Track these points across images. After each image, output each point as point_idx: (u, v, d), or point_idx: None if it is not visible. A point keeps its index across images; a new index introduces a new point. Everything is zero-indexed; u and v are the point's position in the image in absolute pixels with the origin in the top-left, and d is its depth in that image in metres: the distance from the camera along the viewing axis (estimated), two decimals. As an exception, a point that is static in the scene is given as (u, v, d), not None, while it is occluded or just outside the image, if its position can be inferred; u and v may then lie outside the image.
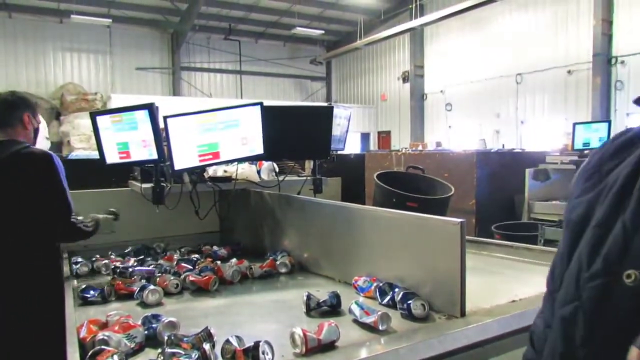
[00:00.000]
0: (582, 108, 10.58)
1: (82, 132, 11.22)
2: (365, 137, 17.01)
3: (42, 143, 2.59)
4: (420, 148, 9.88)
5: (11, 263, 1.91)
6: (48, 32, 13.58)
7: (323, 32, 16.07)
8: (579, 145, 4.94)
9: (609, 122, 5.17)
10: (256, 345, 1.10)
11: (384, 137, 16.68)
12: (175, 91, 15.36)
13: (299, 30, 15.26)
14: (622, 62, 9.89)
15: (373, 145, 16.73)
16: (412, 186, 3.20)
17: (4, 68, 12.89)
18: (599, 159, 0.64)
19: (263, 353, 1.10)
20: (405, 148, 9.26)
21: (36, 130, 2.26)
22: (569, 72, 10.91)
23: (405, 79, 15.31)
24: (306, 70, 17.88)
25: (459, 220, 1.40)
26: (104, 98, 12.65)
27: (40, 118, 2.36)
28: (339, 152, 3.47)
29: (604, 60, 10.01)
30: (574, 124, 5.12)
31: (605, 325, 0.55)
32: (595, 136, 4.88)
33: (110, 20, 13.45)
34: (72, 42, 13.95)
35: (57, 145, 11.03)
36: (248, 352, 1.10)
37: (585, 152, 4.93)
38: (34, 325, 1.82)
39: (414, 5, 13.08)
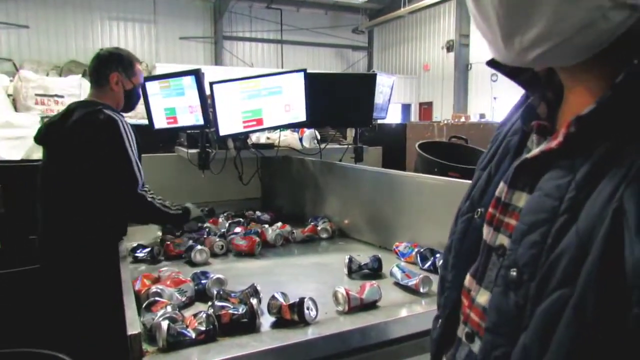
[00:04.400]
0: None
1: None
2: (406, 108, 16.72)
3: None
4: (462, 120, 9.64)
5: (76, 229, 1.96)
6: (95, 2, 13.88)
7: (366, -1, 15.71)
8: None
9: None
10: (301, 301, 1.14)
11: (426, 109, 16.34)
12: (218, 61, 15.48)
13: (341, -3, 14.97)
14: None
15: (414, 116, 16.44)
16: (455, 157, 3.16)
17: (55, 36, 13.30)
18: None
19: (308, 309, 1.14)
20: (448, 119, 9.04)
21: (130, 92, 2.13)
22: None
23: (449, 48, 14.84)
24: (348, 39, 17.60)
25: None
26: (149, 67, 12.91)
27: (142, 78, 2.22)
28: (380, 121, 3.45)
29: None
30: None
31: (461, 253, 0.64)
32: None
33: (155, -11, 13.61)
34: (119, 11, 14.22)
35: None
36: (293, 308, 1.14)
37: None
38: (95, 283, 1.90)
39: (461, -30, 12.56)
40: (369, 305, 1.26)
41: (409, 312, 1.19)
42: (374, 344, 1.14)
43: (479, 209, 0.62)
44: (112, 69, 2.07)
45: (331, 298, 1.27)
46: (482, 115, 11.67)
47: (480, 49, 13.80)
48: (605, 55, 0.46)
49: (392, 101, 3.11)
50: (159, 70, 12.16)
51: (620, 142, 0.44)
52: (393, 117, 14.84)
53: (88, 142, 1.92)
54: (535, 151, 0.53)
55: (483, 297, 0.57)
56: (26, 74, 5.55)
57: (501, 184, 0.57)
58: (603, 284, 0.41)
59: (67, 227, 1.99)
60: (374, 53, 18.50)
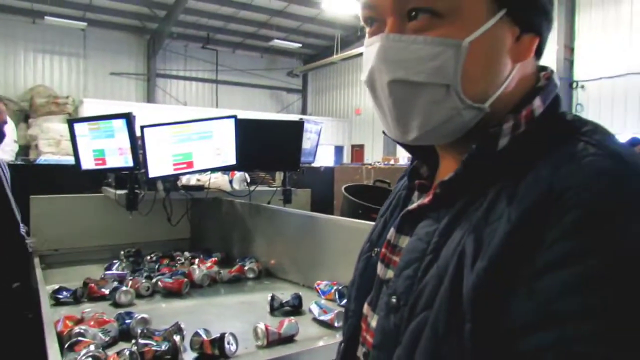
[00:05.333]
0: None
1: (51, 136, 11.04)
2: (339, 150, 17.25)
3: (10, 146, 2.54)
4: (392, 162, 10.12)
5: None
6: (20, 32, 13.35)
7: (300, 45, 16.31)
8: None
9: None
10: (222, 336, 1.23)
11: (357, 151, 16.95)
12: (150, 98, 15.28)
13: (277, 42, 15.45)
14: (582, 86, 10.39)
15: (346, 158, 16.97)
16: (379, 199, 3.36)
17: (-27, 66, 12.65)
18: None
19: (228, 343, 1.22)
20: (378, 162, 9.47)
21: None
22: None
23: (379, 94, 15.61)
24: (283, 82, 18.06)
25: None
26: (76, 102, 12.51)
27: (9, 120, 2.28)
28: (309, 165, 3.62)
29: (566, 84, 10.52)
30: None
31: (361, 286, 0.75)
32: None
33: (86, 23, 13.35)
34: (45, 43, 13.75)
35: (24, 149, 10.84)
36: (214, 343, 1.22)
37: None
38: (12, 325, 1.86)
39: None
40: (287, 340, 1.36)
41: (322, 344, 1.31)
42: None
43: (376, 249, 0.74)
44: None
45: (252, 334, 1.36)
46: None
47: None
48: (464, 137, 0.62)
49: (325, 143, 3.30)
50: (86, 105, 11.83)
51: (469, 201, 0.60)
52: (327, 158, 15.25)
53: None
54: (414, 205, 0.68)
55: (374, 321, 0.68)
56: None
57: (392, 229, 0.71)
58: (450, 306, 0.54)
59: None
60: (308, 96, 19.07)
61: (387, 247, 0.70)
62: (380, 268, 0.70)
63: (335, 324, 1.47)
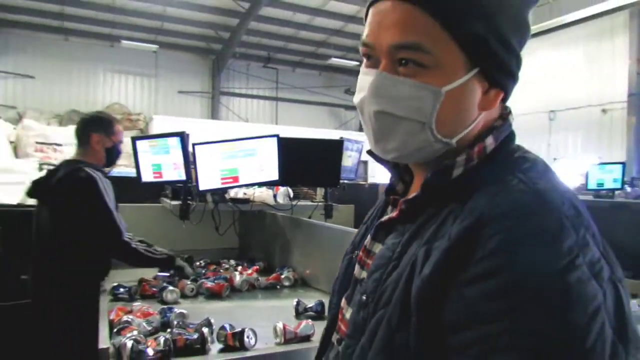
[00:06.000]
0: (616, 147, 10.50)
1: (124, 151, 11.86)
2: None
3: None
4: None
5: (64, 271, 2.22)
6: (99, 55, 14.51)
7: (358, 63, 16.54)
8: (592, 185, 5.06)
9: (624, 164, 5.26)
10: (242, 330, 1.40)
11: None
12: (214, 114, 16.03)
13: (335, 60, 15.77)
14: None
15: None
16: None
17: (59, 86, 13.87)
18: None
19: (247, 337, 1.40)
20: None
21: (110, 150, 2.43)
22: (603, 110, 10.89)
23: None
24: (340, 99, 18.34)
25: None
26: (147, 119, 13.39)
27: (122, 136, 2.54)
28: (351, 182, 3.77)
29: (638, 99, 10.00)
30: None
31: (343, 283, 0.88)
32: (609, 177, 5.00)
33: (157, 46, 14.34)
34: (121, 64, 14.86)
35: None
36: (236, 336, 1.40)
37: (602, 192, 5.05)
38: (77, 316, 2.13)
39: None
40: (304, 339, 1.51)
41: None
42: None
43: (356, 251, 0.87)
44: (92, 130, 2.38)
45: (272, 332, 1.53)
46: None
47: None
48: (435, 160, 0.74)
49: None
50: (156, 122, 12.61)
51: (427, 218, 0.73)
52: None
53: (69, 197, 2.20)
54: (385, 218, 0.82)
55: (348, 314, 0.82)
56: (29, 123, 5.91)
57: (369, 236, 0.85)
58: (402, 304, 0.68)
59: (57, 269, 2.24)
60: (366, 113, 19.17)
61: (363, 251, 0.83)
62: (357, 269, 0.84)
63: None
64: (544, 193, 0.62)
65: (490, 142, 0.72)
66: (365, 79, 0.72)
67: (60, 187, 2.22)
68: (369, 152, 0.84)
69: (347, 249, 0.94)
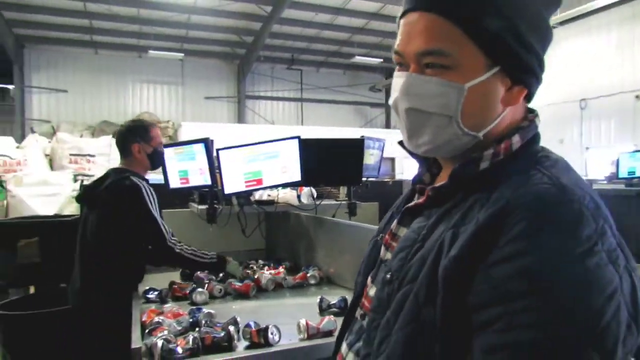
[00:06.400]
0: (651, 134, 10.19)
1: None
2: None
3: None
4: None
5: (107, 277, 2.32)
6: (128, 66, 14.96)
7: (382, 60, 16.50)
8: (623, 174, 4.93)
9: (655, 150, 5.10)
10: (266, 327, 1.46)
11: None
12: (241, 118, 16.28)
13: (359, 59, 15.78)
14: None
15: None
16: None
17: (90, 99, 14.37)
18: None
19: (272, 334, 1.45)
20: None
21: (152, 155, 2.51)
22: (636, 97, 10.57)
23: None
24: (365, 96, 18.32)
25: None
26: (175, 125, 13.72)
27: (160, 138, 2.60)
28: (374, 179, 3.79)
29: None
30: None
31: (368, 263, 0.93)
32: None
33: (183, 54, 14.66)
34: (148, 74, 15.27)
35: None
36: (260, 332, 1.45)
37: (634, 180, 4.91)
38: (115, 320, 2.22)
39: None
40: (326, 334, 1.56)
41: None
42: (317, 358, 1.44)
43: (382, 234, 0.93)
44: (131, 141, 2.48)
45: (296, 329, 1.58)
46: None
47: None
48: (462, 154, 0.79)
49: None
50: (184, 128, 12.90)
51: (454, 204, 0.77)
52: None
53: (116, 205, 2.31)
54: (412, 203, 0.87)
55: (372, 291, 0.87)
56: (63, 136, 6.14)
57: (395, 221, 0.90)
58: (429, 281, 0.72)
59: (100, 275, 2.34)
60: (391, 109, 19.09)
61: (389, 234, 0.89)
62: (382, 250, 0.90)
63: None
64: (566, 187, 0.67)
65: (516, 140, 0.77)
66: (398, 81, 0.79)
67: (107, 194, 2.33)
68: (400, 143, 0.90)
69: (374, 235, 0.99)
